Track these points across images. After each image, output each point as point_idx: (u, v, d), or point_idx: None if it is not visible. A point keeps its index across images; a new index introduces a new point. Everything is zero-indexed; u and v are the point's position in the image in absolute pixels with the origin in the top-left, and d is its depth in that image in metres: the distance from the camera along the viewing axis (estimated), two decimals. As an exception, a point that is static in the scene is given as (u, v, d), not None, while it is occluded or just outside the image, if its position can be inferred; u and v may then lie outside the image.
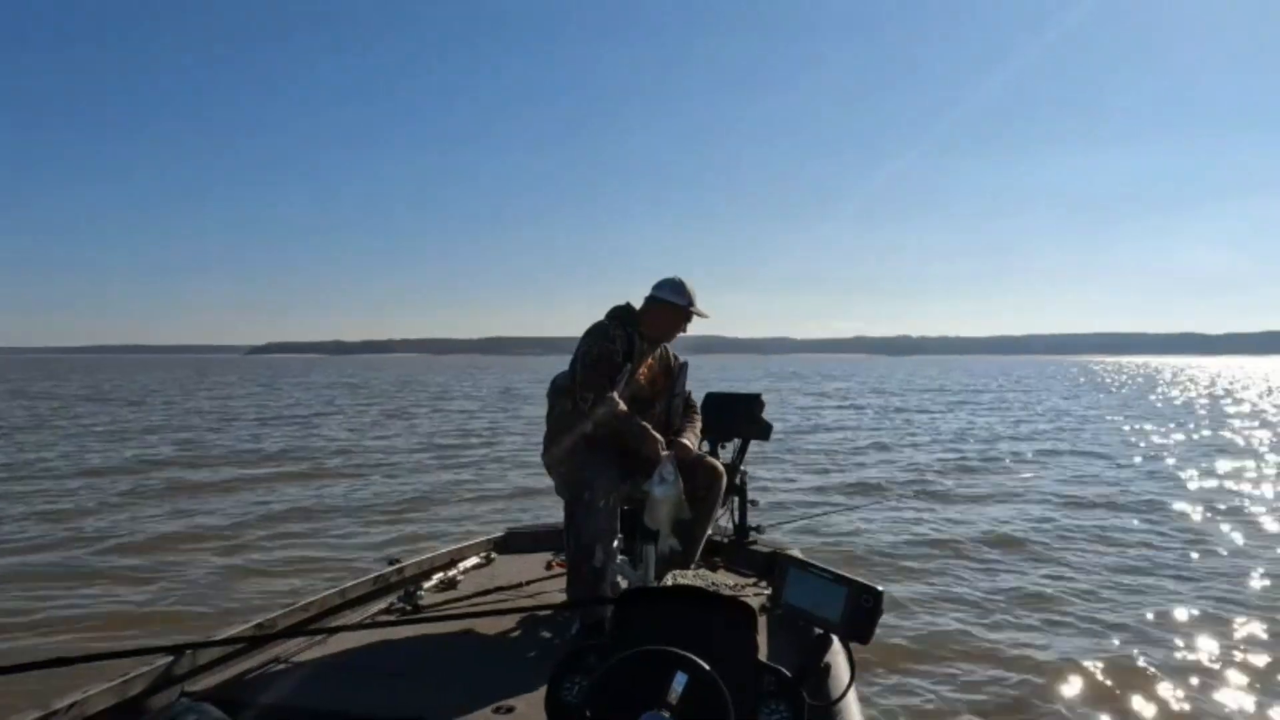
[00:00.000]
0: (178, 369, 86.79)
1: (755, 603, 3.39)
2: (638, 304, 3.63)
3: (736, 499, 4.21)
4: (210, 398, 32.58)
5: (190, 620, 5.29)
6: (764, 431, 4.27)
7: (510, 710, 2.39)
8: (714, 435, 4.26)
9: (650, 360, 3.62)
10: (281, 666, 2.75)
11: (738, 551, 4.12)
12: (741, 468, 4.23)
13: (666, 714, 1.56)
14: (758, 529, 4.25)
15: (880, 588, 1.77)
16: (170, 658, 2.52)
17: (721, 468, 3.60)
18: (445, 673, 2.71)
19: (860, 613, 1.76)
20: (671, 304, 3.55)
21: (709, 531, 3.64)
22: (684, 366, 3.80)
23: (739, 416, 4.30)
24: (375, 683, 2.64)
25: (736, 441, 4.30)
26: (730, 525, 4.24)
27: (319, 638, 2.97)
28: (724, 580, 3.86)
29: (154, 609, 5.61)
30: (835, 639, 1.78)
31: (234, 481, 11.17)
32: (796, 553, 3.59)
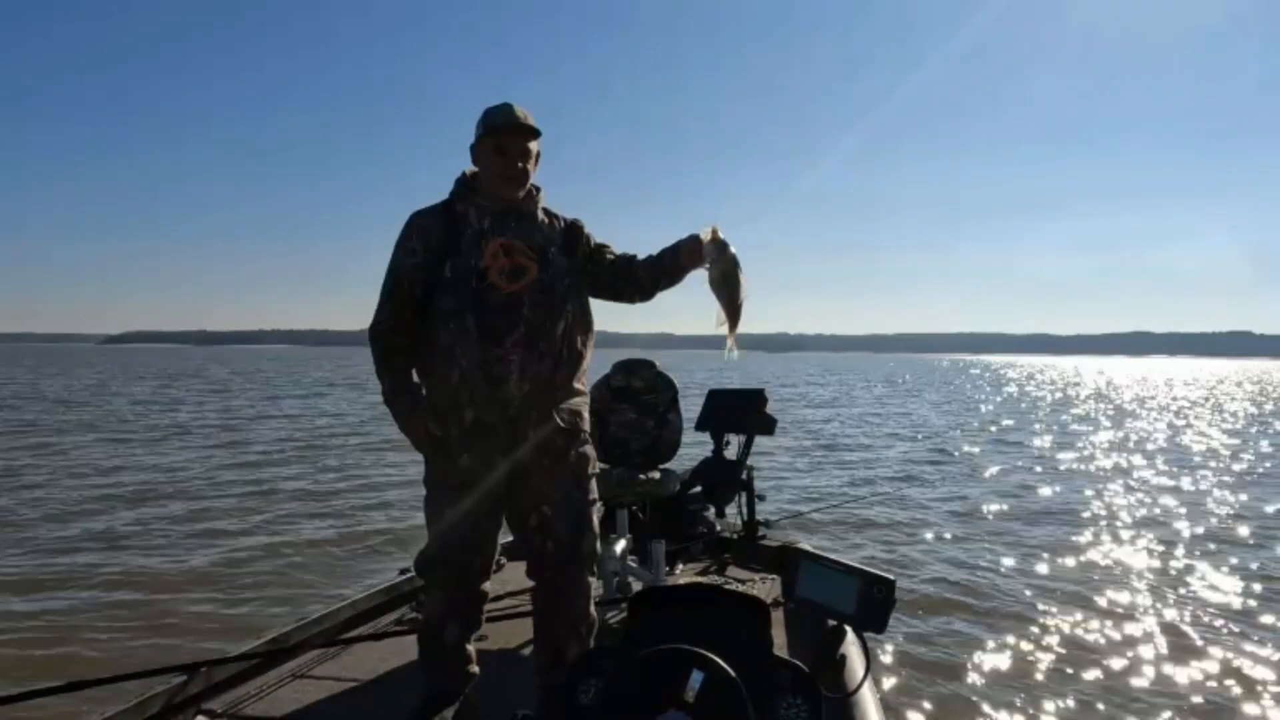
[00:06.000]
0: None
1: (768, 597, 3.42)
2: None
3: (744, 494, 4.23)
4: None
5: (202, 636, 4.92)
6: (768, 426, 4.30)
7: (526, 717, 2.38)
8: (718, 430, 4.27)
9: (503, 241, 2.41)
10: (297, 681, 2.77)
11: (748, 547, 4.15)
12: (747, 463, 4.25)
13: (684, 713, 1.55)
14: (766, 524, 4.28)
15: (892, 577, 1.79)
16: (185, 676, 2.54)
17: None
18: None
19: (873, 603, 1.78)
20: (480, 139, 2.45)
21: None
22: (574, 231, 2.56)
23: (743, 412, 4.32)
24: (390, 694, 2.67)
25: (741, 437, 4.32)
26: (739, 521, 4.25)
27: (333, 651, 3.00)
28: (735, 576, 3.88)
29: (165, 622, 5.20)
30: (849, 630, 1.80)
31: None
32: (806, 546, 3.63)
